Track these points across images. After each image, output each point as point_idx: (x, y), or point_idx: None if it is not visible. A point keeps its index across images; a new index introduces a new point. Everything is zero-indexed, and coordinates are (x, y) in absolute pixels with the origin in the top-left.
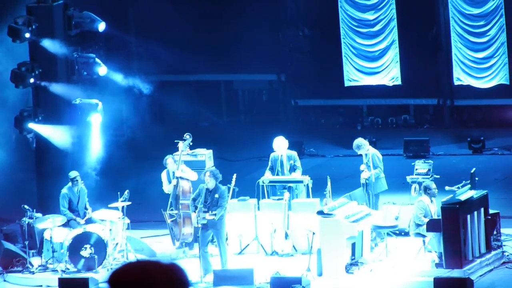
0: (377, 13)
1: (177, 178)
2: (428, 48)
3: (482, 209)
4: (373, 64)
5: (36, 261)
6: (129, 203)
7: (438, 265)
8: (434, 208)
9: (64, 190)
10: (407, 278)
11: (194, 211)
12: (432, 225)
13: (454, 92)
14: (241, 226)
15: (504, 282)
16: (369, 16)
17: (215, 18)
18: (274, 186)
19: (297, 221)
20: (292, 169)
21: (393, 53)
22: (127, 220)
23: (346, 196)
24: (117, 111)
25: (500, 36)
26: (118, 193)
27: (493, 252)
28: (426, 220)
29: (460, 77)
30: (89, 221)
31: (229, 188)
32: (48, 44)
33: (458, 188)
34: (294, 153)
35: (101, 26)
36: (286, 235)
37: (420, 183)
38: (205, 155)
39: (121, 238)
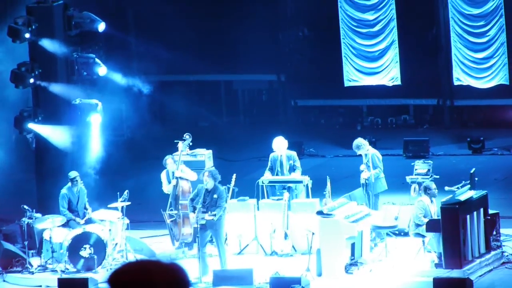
0: (377, 13)
1: (176, 178)
2: (428, 48)
3: (482, 209)
4: (373, 64)
5: (35, 261)
6: (129, 203)
7: (437, 265)
8: (434, 208)
9: (64, 190)
10: (407, 278)
11: (193, 211)
12: (432, 225)
13: (453, 92)
14: (241, 226)
15: (503, 282)
16: (369, 16)
17: (215, 18)
18: (273, 186)
19: (297, 221)
20: (292, 169)
21: (393, 53)
22: (127, 220)
23: (345, 196)
24: (117, 111)
25: (500, 36)
26: (118, 193)
27: (492, 252)
28: (426, 220)
29: (460, 77)
30: (89, 221)
31: (228, 188)
32: (48, 44)
33: (458, 188)
34: (293, 153)
35: (101, 26)
36: (286, 235)
37: (419, 183)
38: (205, 155)
39: (121, 238)
